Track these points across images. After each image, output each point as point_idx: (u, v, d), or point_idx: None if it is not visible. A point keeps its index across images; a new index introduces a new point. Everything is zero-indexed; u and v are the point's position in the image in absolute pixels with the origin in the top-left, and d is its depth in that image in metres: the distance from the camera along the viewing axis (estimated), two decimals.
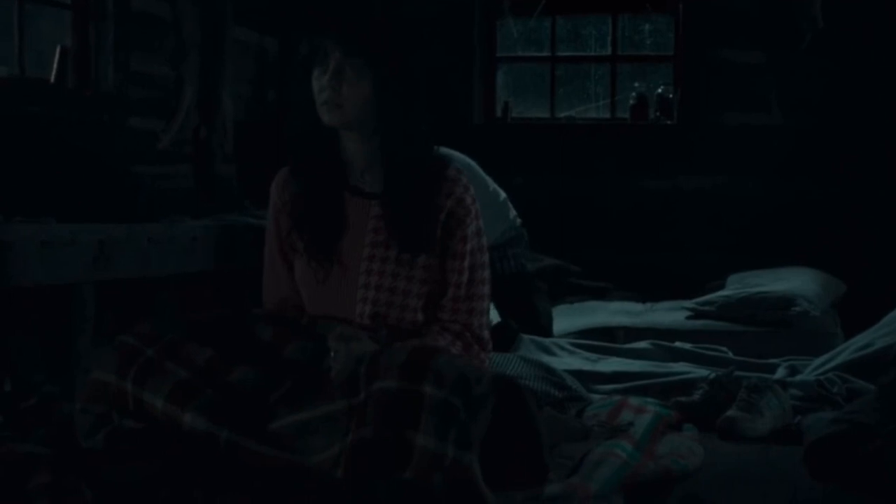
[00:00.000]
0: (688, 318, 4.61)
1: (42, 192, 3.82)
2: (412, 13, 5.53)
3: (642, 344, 4.03)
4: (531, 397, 2.17)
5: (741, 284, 4.84)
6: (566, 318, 4.68)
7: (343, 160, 2.45)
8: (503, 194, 4.33)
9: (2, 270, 2.84)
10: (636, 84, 6.10)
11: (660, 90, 5.99)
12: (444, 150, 3.07)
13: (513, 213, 4.35)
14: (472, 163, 4.16)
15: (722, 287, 5.07)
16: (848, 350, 3.62)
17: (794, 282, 4.69)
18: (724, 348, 4.05)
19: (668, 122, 5.94)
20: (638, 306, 5.12)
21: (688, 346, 4.05)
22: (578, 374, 3.45)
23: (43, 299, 3.16)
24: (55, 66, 4.37)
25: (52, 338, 3.06)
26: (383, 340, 2.31)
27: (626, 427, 2.65)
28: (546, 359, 3.69)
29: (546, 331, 4.21)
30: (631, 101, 6.03)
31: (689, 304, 4.69)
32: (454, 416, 1.95)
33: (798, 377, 3.51)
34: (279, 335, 2.32)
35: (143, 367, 2.17)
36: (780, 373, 3.59)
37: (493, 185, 4.25)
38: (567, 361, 3.72)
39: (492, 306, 3.55)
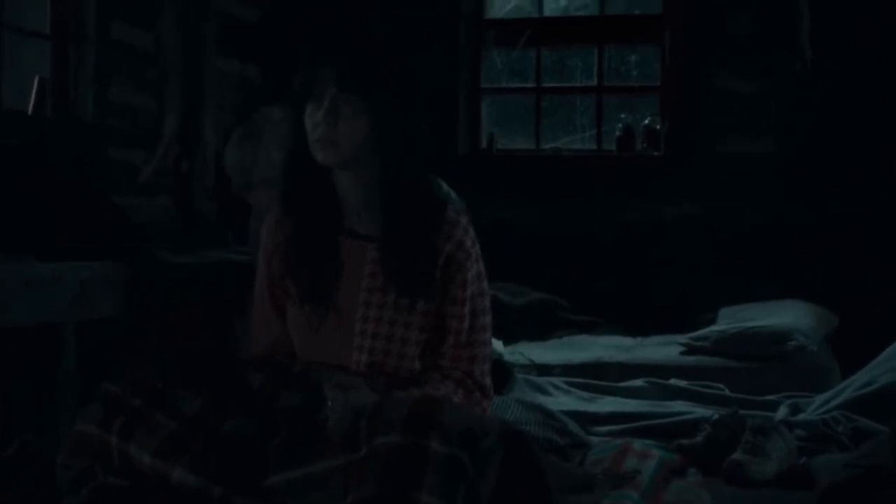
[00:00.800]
0: (682, 353, 4.52)
1: (21, 227, 3.72)
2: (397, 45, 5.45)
3: (637, 382, 3.94)
4: (539, 449, 2.07)
5: (734, 319, 4.75)
6: (556, 353, 4.59)
7: (338, 200, 2.34)
8: None
9: None
10: (622, 115, 6.02)
11: (647, 121, 5.92)
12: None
13: None
14: None
15: (714, 321, 4.99)
16: (850, 388, 3.54)
17: (788, 316, 4.61)
18: (721, 385, 3.97)
19: (656, 154, 5.87)
20: (628, 340, 5.03)
21: (683, 383, 3.97)
22: (574, 415, 3.36)
23: (24, 340, 3.04)
24: (33, 96, 4.26)
25: (36, 380, 2.94)
26: (381, 389, 2.21)
27: (633, 475, 2.55)
28: (541, 399, 3.61)
29: None
30: (617, 133, 5.96)
31: (682, 339, 4.61)
32: (462, 473, 1.84)
33: (801, 416, 3.42)
34: (272, 382, 2.21)
35: (129, 418, 2.06)
36: (783, 412, 3.50)
37: None
38: (562, 401, 3.62)
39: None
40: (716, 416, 3.21)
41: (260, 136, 2.78)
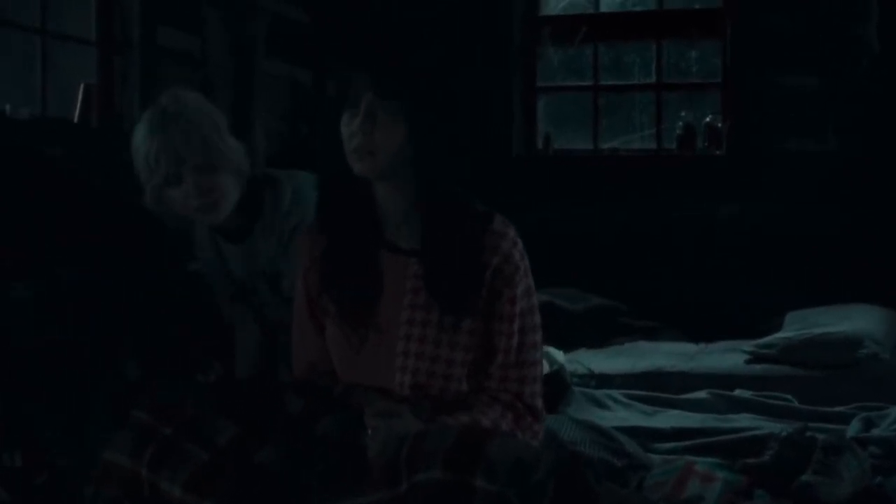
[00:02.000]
0: (746, 361, 4.34)
1: (63, 238, 3.65)
2: (449, 44, 5.34)
3: (700, 394, 3.77)
4: (595, 477, 1.93)
5: (801, 324, 4.56)
6: (617, 362, 4.44)
7: (377, 212, 2.22)
8: None
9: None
10: (682, 113, 5.84)
11: (707, 119, 5.74)
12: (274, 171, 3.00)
13: None
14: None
15: (780, 326, 4.81)
16: None
17: (858, 321, 4.42)
18: (788, 396, 3.78)
19: (717, 152, 5.68)
20: (691, 347, 4.86)
21: (748, 394, 3.79)
22: (634, 431, 3.20)
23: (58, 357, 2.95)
24: (78, 104, 4.19)
25: (69, 401, 2.85)
26: (426, 414, 2.07)
27: (696, 501, 2.39)
28: (599, 413, 3.46)
29: None
30: (677, 131, 5.78)
31: (746, 346, 4.42)
32: None
33: (875, 432, 3.23)
34: (310, 407, 2.09)
35: (159, 448, 1.95)
36: (855, 427, 3.31)
37: None
38: (622, 416, 3.47)
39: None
40: (784, 432, 3.04)
41: (180, 117, 2.66)
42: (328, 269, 2.21)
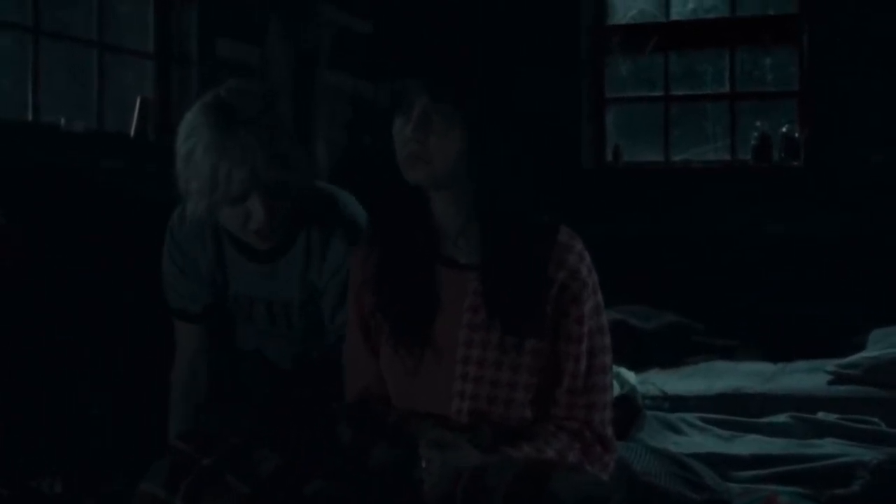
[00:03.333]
0: (829, 382, 4.11)
1: (120, 253, 3.57)
2: (515, 54, 5.20)
3: (781, 417, 3.56)
4: None
5: (887, 342, 4.33)
6: (691, 383, 4.24)
7: (433, 225, 2.06)
8: None
9: None
10: (758, 123, 5.64)
11: (784, 129, 5.52)
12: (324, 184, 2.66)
13: None
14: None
15: (864, 344, 4.58)
16: None
17: None
18: (875, 419, 3.56)
19: (795, 163, 5.46)
20: (769, 367, 4.64)
21: (832, 417, 3.58)
22: (712, 458, 3.01)
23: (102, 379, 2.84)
24: (135, 117, 4.11)
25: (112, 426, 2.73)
26: (485, 443, 1.91)
27: None
28: (674, 438, 3.27)
29: None
30: (753, 142, 5.58)
31: (829, 366, 4.20)
32: None
33: None
34: (362, 437, 1.93)
35: (197, 480, 1.81)
36: None
37: None
38: (698, 441, 3.28)
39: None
40: (874, 460, 2.83)
41: (253, 124, 2.30)
42: (382, 287, 2.06)
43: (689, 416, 3.51)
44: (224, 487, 1.79)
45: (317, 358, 2.66)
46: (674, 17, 5.89)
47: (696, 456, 3.01)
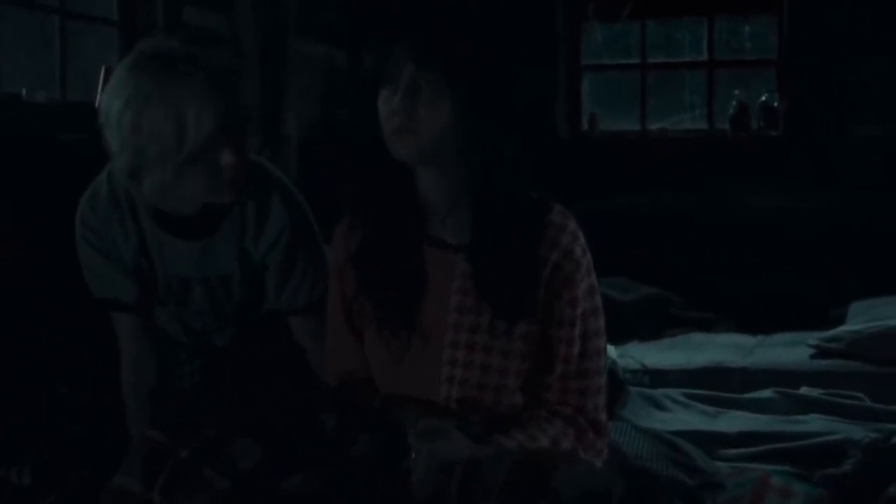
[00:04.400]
0: (812, 356, 4.06)
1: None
2: (488, 18, 5.07)
3: (765, 393, 3.50)
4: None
5: (868, 316, 4.28)
6: (671, 356, 4.18)
7: (419, 202, 1.96)
8: None
9: None
10: (736, 92, 5.57)
11: (763, 98, 5.44)
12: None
13: None
14: None
15: (843, 317, 4.53)
16: None
17: None
18: (859, 394, 3.51)
19: (774, 133, 5.39)
20: (749, 339, 4.59)
21: (816, 392, 3.53)
22: (698, 435, 2.95)
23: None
24: (99, 88, 3.96)
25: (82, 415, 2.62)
26: (476, 431, 1.82)
27: None
28: (659, 415, 3.22)
29: None
30: (731, 111, 5.51)
31: (811, 339, 4.14)
32: None
33: None
34: (345, 424, 1.84)
35: (174, 473, 1.71)
36: None
37: None
38: (683, 418, 3.22)
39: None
40: (866, 437, 2.78)
41: (199, 67, 2.09)
42: (365, 267, 1.96)
43: (673, 392, 3.45)
44: (203, 482, 1.69)
45: (249, 330, 2.49)
46: None
47: (682, 433, 2.95)
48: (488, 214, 1.89)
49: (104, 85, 3.92)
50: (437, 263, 1.94)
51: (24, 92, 3.61)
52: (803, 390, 3.55)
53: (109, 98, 2.14)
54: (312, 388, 2.05)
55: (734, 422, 3.21)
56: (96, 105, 3.90)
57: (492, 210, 1.89)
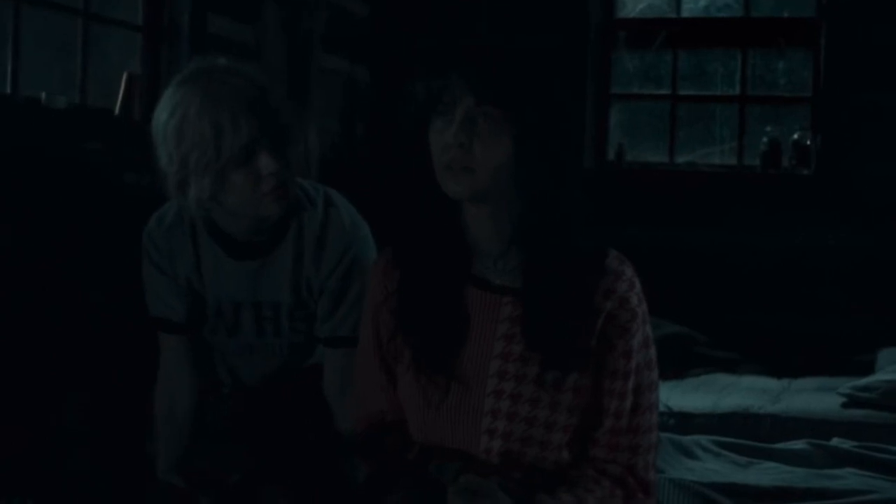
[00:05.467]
0: (843, 405, 3.93)
1: (101, 242, 3.33)
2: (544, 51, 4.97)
3: (799, 444, 3.37)
4: None
5: None
6: (696, 398, 4.07)
7: (466, 241, 1.83)
8: None
9: None
10: (768, 128, 5.41)
11: (796, 136, 5.30)
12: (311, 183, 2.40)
13: None
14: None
15: (872, 364, 4.42)
16: None
17: None
18: (895, 448, 3.38)
19: (805, 172, 5.26)
20: (774, 383, 4.47)
21: (848, 444, 3.40)
22: (733, 489, 2.82)
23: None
24: (121, 94, 3.85)
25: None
26: (517, 488, 1.69)
27: None
28: (689, 464, 3.08)
29: None
30: (762, 147, 5.35)
31: (842, 387, 4.01)
32: None
33: None
34: (378, 475, 1.71)
35: None
36: None
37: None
38: (713, 468, 3.08)
39: None
40: None
41: (237, 75, 2.17)
42: (404, 306, 1.83)
43: (703, 440, 3.31)
44: None
45: (300, 372, 2.41)
46: (685, 13, 5.65)
47: (715, 486, 2.82)
48: (542, 258, 1.76)
49: (126, 92, 3.84)
50: (480, 306, 1.81)
51: (43, 96, 3.50)
52: (835, 441, 3.42)
53: (157, 115, 2.20)
54: (340, 435, 1.91)
55: (767, 474, 3.08)
56: (116, 112, 3.82)
57: (546, 253, 1.76)
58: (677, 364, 4.61)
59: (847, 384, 4.03)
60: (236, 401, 2.39)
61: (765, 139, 5.36)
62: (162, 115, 2.19)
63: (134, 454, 2.31)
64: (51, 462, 2.50)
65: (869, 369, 4.38)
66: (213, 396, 2.41)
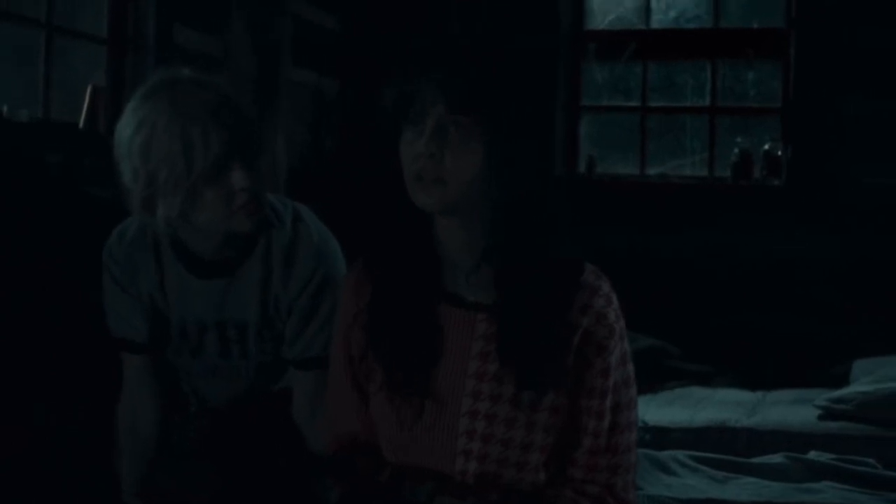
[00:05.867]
0: (819, 417, 3.91)
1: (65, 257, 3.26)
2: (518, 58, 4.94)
3: (776, 458, 3.35)
4: None
5: (874, 376, 4.14)
6: (671, 412, 4.04)
7: (437, 256, 1.77)
8: None
9: None
10: (738, 139, 5.41)
11: (766, 146, 5.30)
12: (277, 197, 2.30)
13: None
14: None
15: (846, 375, 4.41)
16: None
17: None
18: (870, 459, 3.37)
19: (776, 182, 5.25)
20: (748, 395, 4.45)
21: (825, 457, 3.38)
22: None
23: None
24: (85, 106, 3.79)
25: None
26: None
27: None
28: (666, 480, 3.06)
29: None
30: (733, 158, 5.35)
31: (818, 399, 3.99)
32: None
33: None
34: (350, 498, 1.65)
35: None
36: None
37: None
38: (690, 484, 3.05)
39: None
40: None
41: (208, 88, 2.09)
42: (375, 325, 1.77)
43: (680, 455, 3.28)
44: None
45: (268, 394, 2.34)
46: (654, 24, 5.64)
47: (692, 502, 2.80)
48: (516, 272, 1.71)
49: (90, 105, 3.77)
50: (453, 323, 1.75)
51: (5, 109, 3.43)
52: (812, 454, 3.41)
53: (120, 129, 2.09)
54: (312, 456, 1.85)
55: (745, 489, 3.06)
56: (80, 126, 3.75)
57: (520, 268, 1.71)
58: (651, 378, 4.57)
59: (822, 396, 4.01)
60: (203, 420, 2.32)
61: (736, 150, 5.36)
62: (126, 130, 2.08)
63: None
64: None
65: (843, 381, 4.37)
66: (178, 416, 2.34)
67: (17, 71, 3.72)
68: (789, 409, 4.11)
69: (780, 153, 5.26)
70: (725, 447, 3.59)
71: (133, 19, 3.99)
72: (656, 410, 4.03)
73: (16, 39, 3.68)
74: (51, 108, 3.73)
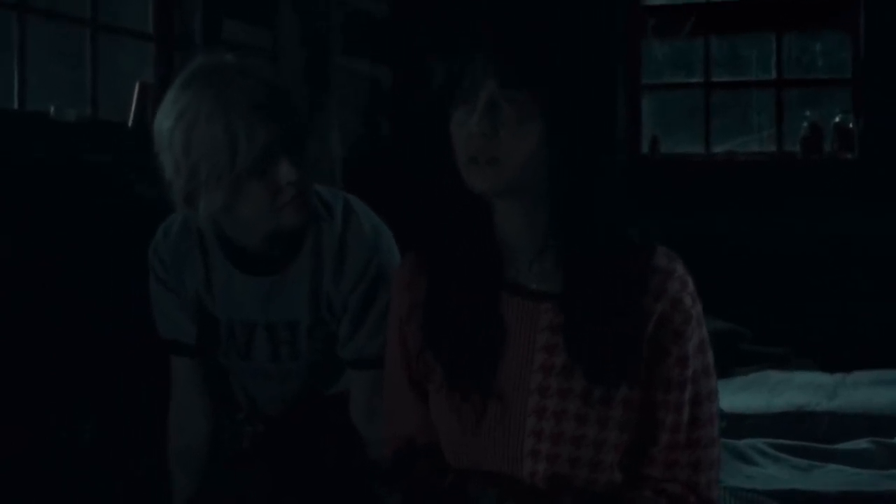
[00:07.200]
0: None
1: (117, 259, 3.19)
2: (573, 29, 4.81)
3: (862, 443, 3.17)
4: None
5: None
6: (747, 398, 3.86)
7: (497, 243, 1.66)
8: None
9: None
10: (807, 112, 5.22)
11: (837, 119, 5.11)
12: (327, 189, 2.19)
13: None
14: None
15: None
16: None
17: None
18: None
19: (849, 156, 5.05)
20: (827, 378, 4.26)
21: None
22: (795, 496, 2.64)
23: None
24: (134, 104, 3.72)
25: None
26: None
27: None
28: (746, 470, 2.89)
29: None
30: (802, 133, 5.16)
31: None
32: None
33: None
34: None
35: None
36: None
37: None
38: (772, 473, 2.89)
39: None
40: None
41: (251, 75, 1.95)
42: (432, 320, 1.65)
43: (759, 443, 3.12)
44: None
45: (323, 399, 2.23)
46: None
47: (777, 494, 2.64)
48: (583, 258, 1.58)
49: (138, 103, 3.70)
50: (517, 314, 1.63)
51: (52, 110, 3.38)
52: None
53: (160, 120, 2.00)
54: (369, 460, 1.75)
55: (831, 478, 2.89)
56: (129, 124, 3.69)
57: (587, 253, 1.58)
58: (723, 361, 4.41)
59: None
60: (256, 426, 2.23)
61: (804, 124, 5.17)
62: (166, 121, 1.98)
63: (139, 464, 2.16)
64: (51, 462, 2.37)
65: None
66: (229, 422, 2.24)
67: (64, 71, 3.67)
68: (872, 390, 3.92)
69: (851, 125, 5.06)
70: (806, 433, 3.42)
71: (180, 14, 3.93)
72: (730, 396, 3.86)
73: (61, 39, 3.63)
74: (98, 107, 3.67)
